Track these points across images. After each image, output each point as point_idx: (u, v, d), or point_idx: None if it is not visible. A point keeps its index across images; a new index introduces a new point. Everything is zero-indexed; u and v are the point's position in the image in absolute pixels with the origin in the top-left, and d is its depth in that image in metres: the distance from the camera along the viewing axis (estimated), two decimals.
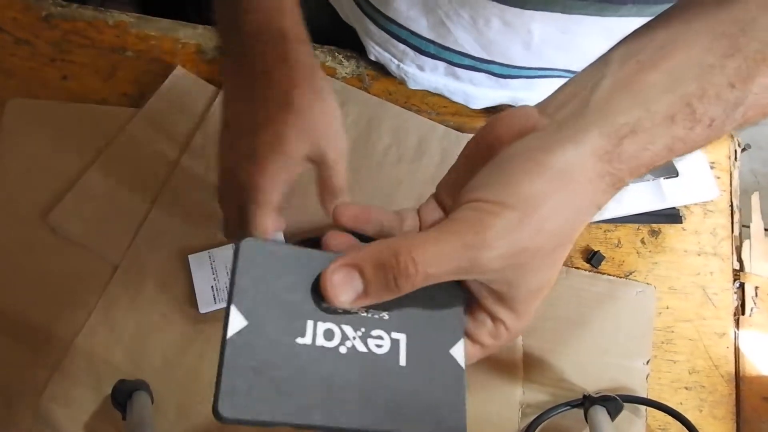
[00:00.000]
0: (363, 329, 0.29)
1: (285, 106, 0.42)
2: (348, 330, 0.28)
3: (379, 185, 0.61)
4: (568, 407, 0.55)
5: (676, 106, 0.28)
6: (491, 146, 0.31)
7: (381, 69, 0.66)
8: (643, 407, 0.56)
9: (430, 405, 0.28)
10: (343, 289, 0.27)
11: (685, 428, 0.54)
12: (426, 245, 0.26)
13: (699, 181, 0.64)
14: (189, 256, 0.56)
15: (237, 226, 0.44)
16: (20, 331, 0.54)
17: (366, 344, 0.28)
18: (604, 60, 0.32)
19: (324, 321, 0.28)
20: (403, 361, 0.29)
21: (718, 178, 0.65)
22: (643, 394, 0.57)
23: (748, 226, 0.65)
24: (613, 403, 0.53)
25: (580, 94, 0.30)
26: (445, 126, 0.64)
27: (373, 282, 0.27)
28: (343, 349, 0.28)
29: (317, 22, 0.68)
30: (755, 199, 0.66)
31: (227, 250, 0.56)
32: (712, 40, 0.29)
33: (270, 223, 0.43)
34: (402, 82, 0.65)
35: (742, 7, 0.30)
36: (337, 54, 0.67)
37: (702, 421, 0.57)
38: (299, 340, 0.27)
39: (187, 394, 0.53)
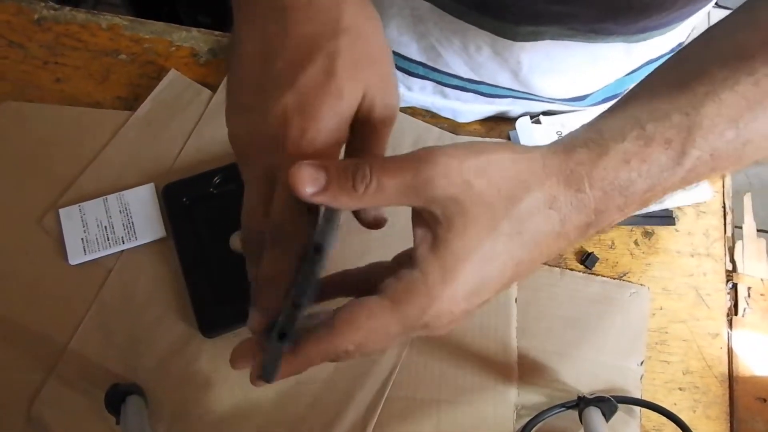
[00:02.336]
0: None
1: (332, 29, 0.32)
2: None
3: None
4: (563, 408, 0.55)
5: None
6: None
7: None
8: (637, 408, 0.56)
9: None
10: (308, 181, 0.28)
11: (679, 429, 0.54)
12: (383, 159, 0.29)
13: None
14: (59, 210, 0.57)
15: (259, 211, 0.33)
16: (13, 334, 0.54)
17: None
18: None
19: None
20: None
21: None
22: (637, 395, 0.57)
23: (741, 227, 0.65)
24: (608, 404, 0.53)
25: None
26: (440, 129, 0.64)
27: (333, 180, 0.29)
28: None
29: None
30: (747, 200, 0.66)
31: (98, 203, 0.57)
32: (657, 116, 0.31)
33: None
34: None
35: (691, 95, 0.31)
36: None
37: (696, 421, 0.57)
38: None
39: (182, 396, 0.53)
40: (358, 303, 0.30)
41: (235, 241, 0.55)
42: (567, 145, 0.31)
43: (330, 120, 0.32)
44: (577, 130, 0.33)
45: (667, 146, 0.30)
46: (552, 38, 0.52)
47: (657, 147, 0.30)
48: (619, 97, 0.35)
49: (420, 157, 0.29)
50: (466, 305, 0.30)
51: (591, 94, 0.63)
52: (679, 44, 0.59)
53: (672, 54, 0.36)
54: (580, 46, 0.53)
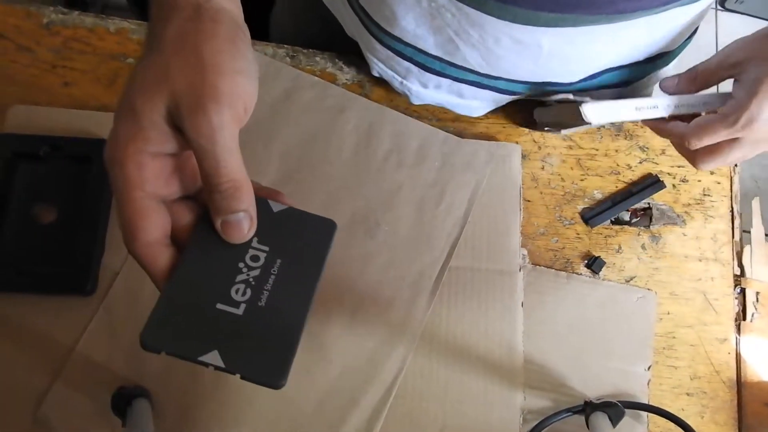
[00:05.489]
0: (255, 282, 0.35)
1: (153, 49, 0.35)
2: (252, 289, 0.35)
3: (379, 190, 0.61)
4: (570, 413, 0.54)
5: None
6: None
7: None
8: (644, 413, 0.56)
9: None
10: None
11: None
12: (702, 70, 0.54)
13: None
14: None
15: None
16: (21, 336, 0.54)
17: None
18: None
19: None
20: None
21: (719, 183, 0.65)
22: (644, 400, 0.57)
23: (749, 232, 0.65)
24: (615, 409, 0.53)
25: None
26: (446, 132, 0.64)
27: (682, 83, 0.55)
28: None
29: (319, 34, 0.68)
30: (756, 204, 0.66)
31: None
32: None
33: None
34: (405, 97, 0.65)
35: None
36: (337, 60, 0.67)
37: (704, 427, 0.57)
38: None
39: (187, 399, 0.53)
40: (705, 119, 0.50)
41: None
42: None
43: (133, 145, 0.33)
44: None
45: None
46: (573, 25, 0.51)
47: None
48: None
49: (722, 54, 0.52)
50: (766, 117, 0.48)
51: (604, 73, 0.62)
52: (694, 31, 0.62)
53: None
54: (603, 28, 0.52)
